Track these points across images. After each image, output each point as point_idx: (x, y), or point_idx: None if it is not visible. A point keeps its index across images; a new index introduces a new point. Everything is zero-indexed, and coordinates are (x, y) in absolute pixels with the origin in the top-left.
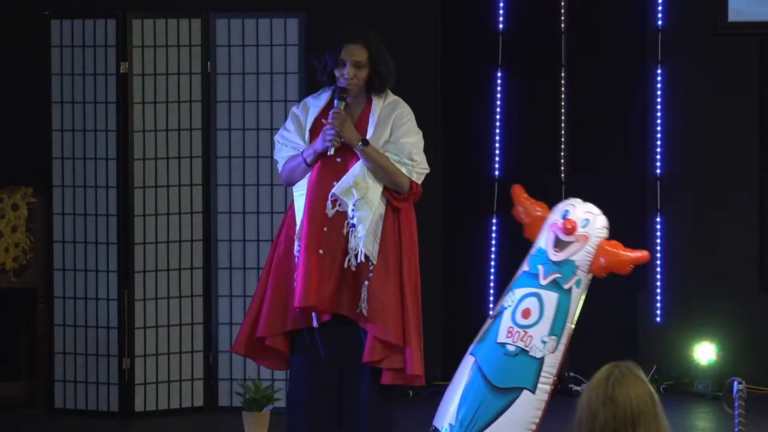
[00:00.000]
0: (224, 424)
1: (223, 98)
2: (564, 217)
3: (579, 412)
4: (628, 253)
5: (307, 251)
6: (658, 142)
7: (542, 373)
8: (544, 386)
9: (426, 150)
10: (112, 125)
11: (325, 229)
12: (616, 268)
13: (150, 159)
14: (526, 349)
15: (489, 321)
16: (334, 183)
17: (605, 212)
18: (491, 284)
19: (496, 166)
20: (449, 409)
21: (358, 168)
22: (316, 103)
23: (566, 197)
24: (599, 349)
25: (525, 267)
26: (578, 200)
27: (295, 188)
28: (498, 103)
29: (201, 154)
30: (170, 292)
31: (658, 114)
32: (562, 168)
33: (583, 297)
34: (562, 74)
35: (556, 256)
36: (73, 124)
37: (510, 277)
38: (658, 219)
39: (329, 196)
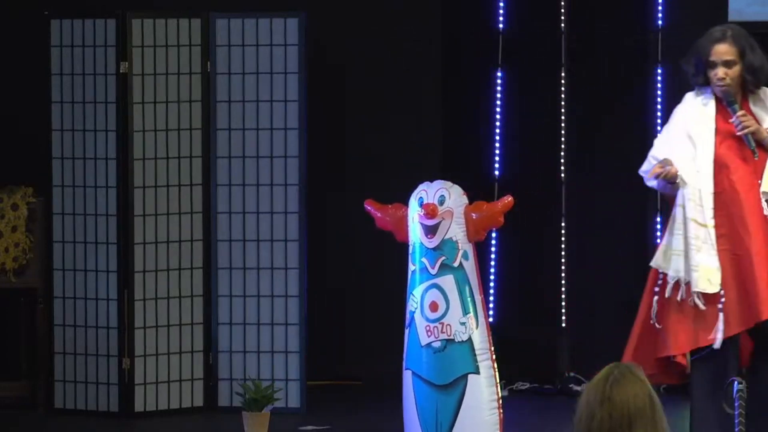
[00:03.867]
0: (224, 424)
1: (223, 98)
2: (421, 205)
3: (578, 411)
4: (495, 206)
5: (757, 260)
6: None
7: (477, 352)
8: (485, 362)
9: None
10: (112, 125)
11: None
12: (491, 224)
13: (150, 159)
14: (451, 338)
15: (406, 331)
16: (758, 182)
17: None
18: (491, 284)
19: (496, 166)
20: (415, 430)
21: None
22: (702, 116)
23: (566, 197)
24: (599, 350)
25: (411, 266)
26: (427, 183)
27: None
28: (498, 103)
29: (201, 154)
30: (170, 292)
31: (658, 114)
32: (562, 168)
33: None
34: (562, 74)
35: (432, 243)
36: (73, 124)
37: (511, 277)
38: (658, 219)
39: (762, 197)
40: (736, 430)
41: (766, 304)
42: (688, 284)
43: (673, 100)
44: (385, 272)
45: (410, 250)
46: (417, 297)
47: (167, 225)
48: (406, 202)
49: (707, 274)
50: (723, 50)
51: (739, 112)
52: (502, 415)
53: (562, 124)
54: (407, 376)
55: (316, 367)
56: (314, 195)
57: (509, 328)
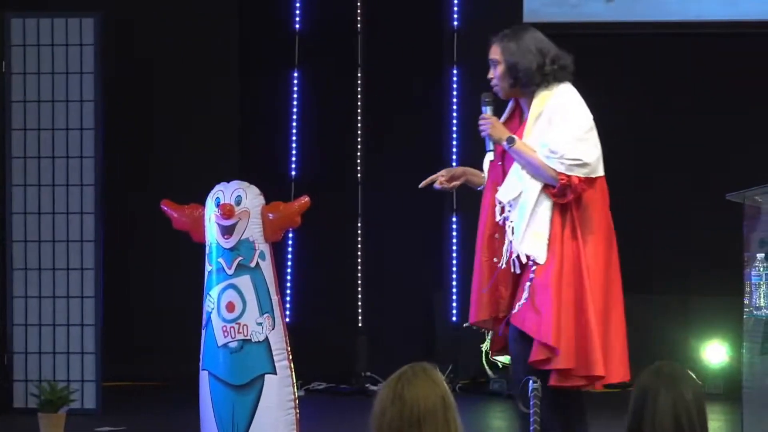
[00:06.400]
0: (19, 426)
1: (18, 98)
2: (218, 205)
3: (373, 409)
4: (292, 206)
5: (481, 261)
6: (454, 142)
7: (274, 353)
8: (282, 362)
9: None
10: None
11: (496, 236)
12: (288, 224)
13: None
14: (247, 338)
15: (203, 332)
16: (498, 188)
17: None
18: (288, 284)
19: (293, 166)
20: (212, 430)
21: (513, 169)
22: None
23: (363, 197)
24: (396, 349)
25: (208, 267)
26: (223, 183)
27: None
28: (294, 103)
29: None
30: None
31: (454, 114)
32: (359, 168)
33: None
34: (359, 74)
35: (228, 243)
36: None
37: (308, 277)
38: (454, 219)
39: (496, 202)
40: (531, 428)
41: (481, 310)
42: None
43: (468, 100)
44: (182, 273)
45: (207, 251)
46: (214, 297)
47: None
48: (203, 203)
49: None
50: (491, 50)
51: (483, 115)
52: (298, 414)
53: (359, 125)
54: (204, 377)
55: (113, 368)
56: (113, 195)
57: (306, 328)
